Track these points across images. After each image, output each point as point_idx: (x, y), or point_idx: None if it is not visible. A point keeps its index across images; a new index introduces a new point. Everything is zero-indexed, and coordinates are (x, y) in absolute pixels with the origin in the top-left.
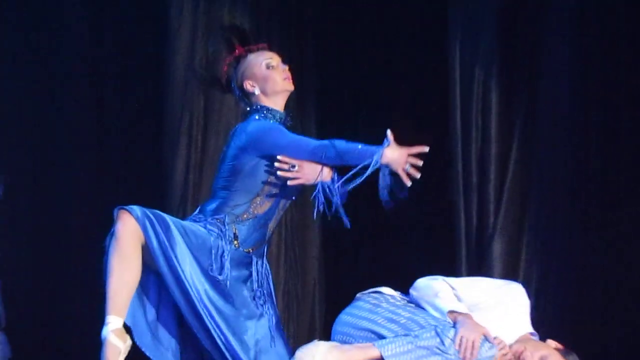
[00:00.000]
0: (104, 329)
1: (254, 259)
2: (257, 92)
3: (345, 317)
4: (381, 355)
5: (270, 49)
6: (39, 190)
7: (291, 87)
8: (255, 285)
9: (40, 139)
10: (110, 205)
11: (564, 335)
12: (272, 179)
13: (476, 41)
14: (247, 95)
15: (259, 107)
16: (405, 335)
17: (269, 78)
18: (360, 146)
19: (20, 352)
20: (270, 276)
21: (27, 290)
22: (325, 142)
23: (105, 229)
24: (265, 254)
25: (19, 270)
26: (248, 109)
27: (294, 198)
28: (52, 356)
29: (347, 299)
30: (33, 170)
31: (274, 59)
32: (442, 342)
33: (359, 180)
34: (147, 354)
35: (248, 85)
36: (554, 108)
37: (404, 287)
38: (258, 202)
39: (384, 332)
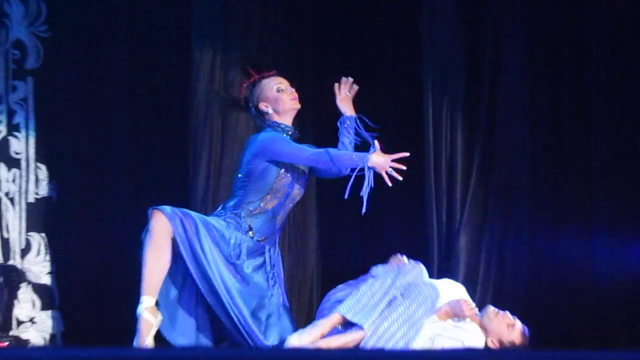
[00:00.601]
0: (139, 307)
1: (267, 247)
2: (270, 111)
3: (326, 298)
4: (343, 316)
5: (279, 74)
6: (86, 193)
7: (298, 106)
8: (267, 268)
9: (87, 151)
10: (145, 205)
11: (517, 308)
12: (279, 180)
13: (445, 76)
14: (262, 114)
15: (272, 123)
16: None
17: (280, 99)
18: (349, 152)
19: (72, 326)
20: (280, 262)
21: (77, 274)
22: (321, 149)
23: (141, 224)
24: (276, 242)
25: (70, 259)
26: (263, 124)
27: (298, 198)
28: (97, 329)
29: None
30: (81, 176)
31: (283, 83)
32: (394, 282)
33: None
34: (163, 332)
35: (262, 106)
36: (509, 130)
37: None
38: (268, 199)
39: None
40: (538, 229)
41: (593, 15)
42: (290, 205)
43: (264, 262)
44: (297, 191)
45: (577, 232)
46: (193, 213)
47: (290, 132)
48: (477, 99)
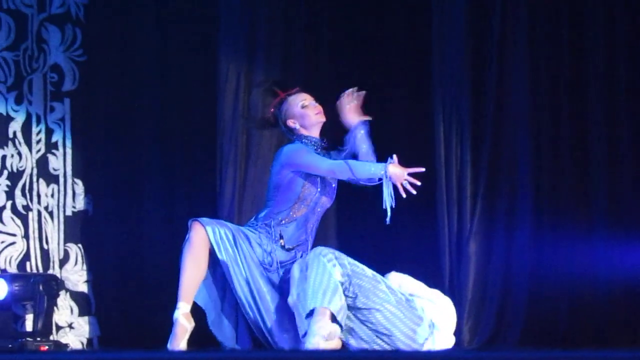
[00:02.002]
0: (175, 312)
1: (299, 254)
2: (297, 127)
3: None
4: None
5: (303, 90)
6: (120, 207)
7: (323, 119)
8: None
9: (121, 167)
10: (178, 216)
11: (523, 309)
12: (305, 189)
13: (457, 95)
14: (290, 130)
15: (300, 137)
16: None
17: (305, 115)
18: (368, 163)
19: (107, 331)
20: None
21: (111, 282)
22: (339, 160)
23: (171, 235)
24: (308, 248)
25: (105, 268)
26: (293, 139)
27: (328, 206)
28: (132, 334)
29: None
30: (115, 191)
31: (307, 99)
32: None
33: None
34: (212, 329)
35: (290, 122)
36: (513, 147)
37: (395, 268)
38: (296, 208)
39: None
40: (541, 237)
41: (592, 23)
42: (321, 211)
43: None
44: (326, 198)
45: (579, 236)
46: (228, 223)
47: (318, 145)
48: (483, 114)
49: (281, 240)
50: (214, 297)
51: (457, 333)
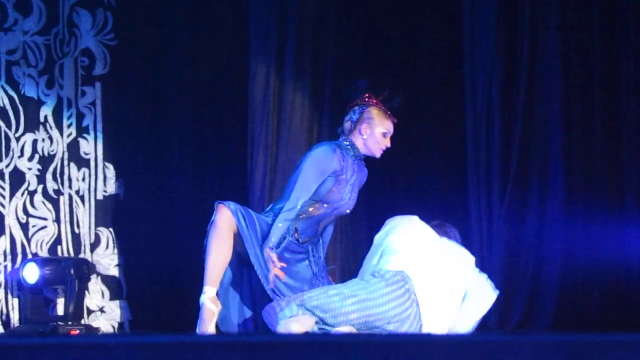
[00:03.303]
0: (202, 296)
1: (310, 247)
2: (363, 137)
3: None
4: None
5: (395, 122)
6: (151, 191)
7: (378, 156)
8: (315, 268)
9: (152, 151)
10: (206, 202)
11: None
12: (329, 194)
13: (487, 85)
14: (354, 129)
15: (350, 141)
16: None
17: (377, 142)
18: (275, 232)
19: (138, 314)
20: (322, 258)
21: (142, 266)
22: (283, 212)
23: (202, 219)
24: (319, 241)
25: (136, 252)
26: (341, 132)
27: (348, 211)
28: (163, 318)
29: None
30: (146, 174)
31: (390, 131)
32: None
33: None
34: (220, 326)
35: (363, 129)
36: (545, 129)
37: None
38: (316, 207)
39: None
40: (572, 221)
41: (624, 12)
42: (335, 215)
43: (307, 256)
44: (346, 206)
45: (611, 221)
46: (250, 210)
47: (356, 156)
48: (515, 100)
49: (295, 234)
50: (221, 293)
51: (487, 317)
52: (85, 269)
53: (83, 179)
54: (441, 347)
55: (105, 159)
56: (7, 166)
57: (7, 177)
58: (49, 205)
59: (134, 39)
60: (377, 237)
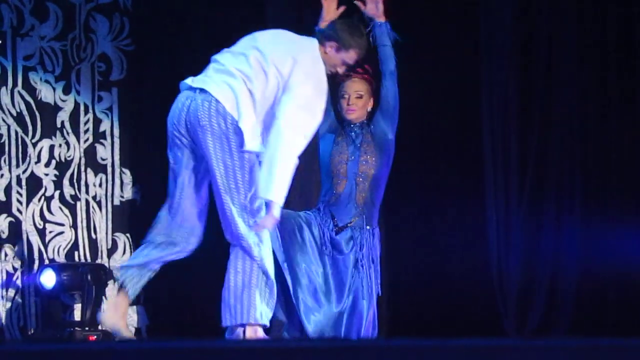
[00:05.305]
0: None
1: (354, 232)
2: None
3: None
4: None
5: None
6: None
7: (349, 117)
8: (352, 251)
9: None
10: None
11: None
12: (335, 162)
13: (503, 96)
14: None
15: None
16: None
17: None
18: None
19: (156, 320)
20: (374, 242)
21: (159, 272)
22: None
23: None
24: (364, 224)
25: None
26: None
27: (371, 171)
28: (181, 324)
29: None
30: (162, 180)
31: (351, 92)
32: None
33: None
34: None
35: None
36: (562, 131)
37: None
38: (338, 183)
39: None
40: (590, 225)
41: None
42: (363, 181)
43: (352, 247)
44: (365, 166)
45: (628, 224)
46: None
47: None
48: (531, 100)
49: (334, 220)
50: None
51: (505, 321)
52: (103, 275)
53: (100, 185)
54: (462, 352)
55: (122, 164)
56: (24, 172)
57: (24, 182)
58: (66, 211)
59: (150, 44)
60: None
